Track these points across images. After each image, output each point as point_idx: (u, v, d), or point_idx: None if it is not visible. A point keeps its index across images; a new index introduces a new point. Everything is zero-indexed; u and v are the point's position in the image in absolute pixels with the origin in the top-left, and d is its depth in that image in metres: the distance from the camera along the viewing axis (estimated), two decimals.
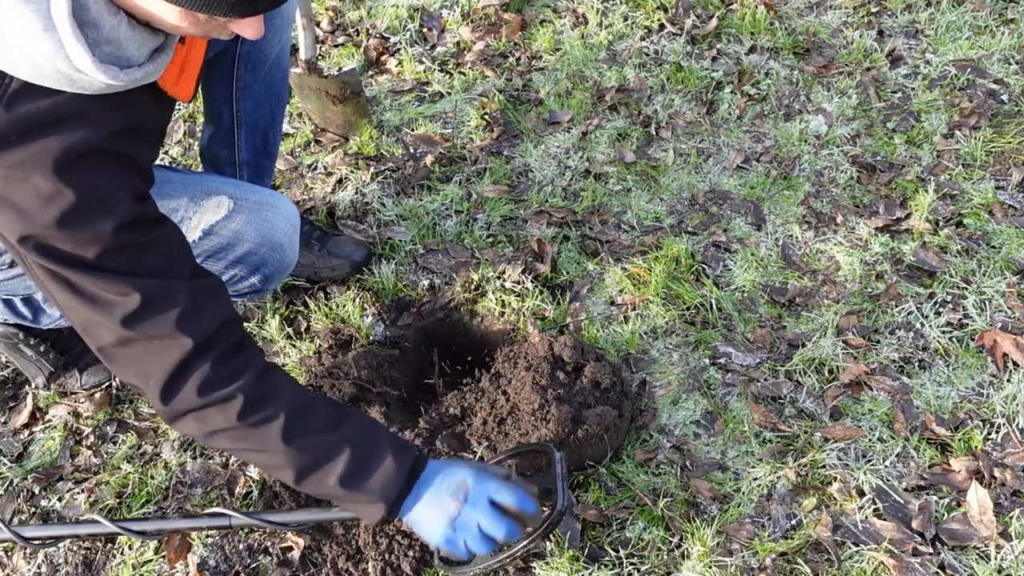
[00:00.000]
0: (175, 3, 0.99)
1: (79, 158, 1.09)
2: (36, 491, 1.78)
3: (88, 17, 1.00)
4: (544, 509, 1.53)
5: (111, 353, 1.18)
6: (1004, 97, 2.45)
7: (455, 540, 1.26)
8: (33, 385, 1.95)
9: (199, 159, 2.04)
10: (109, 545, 1.68)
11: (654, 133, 2.46)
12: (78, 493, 1.77)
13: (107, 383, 1.94)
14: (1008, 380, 1.78)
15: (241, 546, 1.64)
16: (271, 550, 1.63)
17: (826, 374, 1.83)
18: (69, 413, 1.91)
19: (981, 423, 1.72)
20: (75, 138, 1.08)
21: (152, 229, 1.20)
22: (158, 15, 1.03)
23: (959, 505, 1.60)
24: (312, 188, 2.37)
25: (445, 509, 1.26)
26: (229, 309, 1.24)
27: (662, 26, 2.79)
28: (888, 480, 1.64)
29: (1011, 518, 1.55)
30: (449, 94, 2.65)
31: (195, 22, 1.04)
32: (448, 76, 2.71)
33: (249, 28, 1.08)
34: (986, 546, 1.52)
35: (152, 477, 1.77)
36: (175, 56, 1.23)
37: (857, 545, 1.54)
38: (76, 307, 1.14)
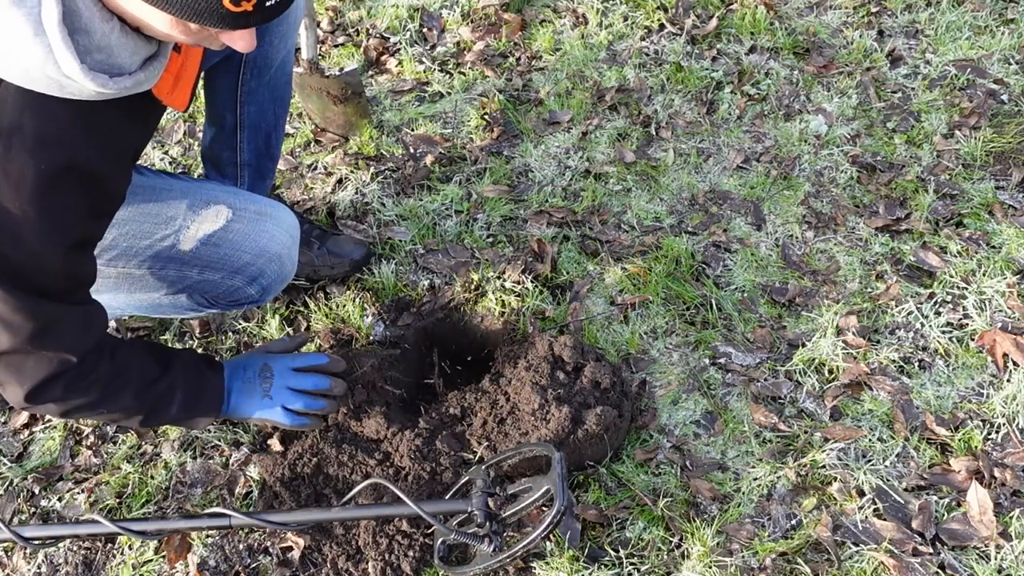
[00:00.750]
0: (166, 10, 0.98)
1: (53, 181, 1.10)
2: (36, 491, 1.78)
3: (80, 23, 0.99)
4: (544, 509, 1.54)
5: None
6: (1004, 97, 2.45)
7: (272, 406, 1.61)
8: None
9: (200, 160, 2.04)
10: (109, 545, 1.68)
11: (654, 133, 2.46)
12: (78, 493, 1.77)
13: None
14: (1008, 380, 1.78)
15: (241, 546, 1.64)
16: (271, 550, 1.63)
17: (826, 374, 1.83)
18: None
19: (981, 423, 1.72)
20: (54, 160, 1.09)
21: (87, 255, 1.27)
22: (149, 22, 1.02)
23: (959, 505, 1.60)
24: (312, 188, 2.37)
25: (258, 390, 1.61)
26: (106, 326, 1.39)
27: (662, 26, 2.79)
28: (888, 480, 1.64)
29: (1011, 518, 1.55)
30: (449, 94, 2.65)
31: (186, 31, 1.03)
32: (448, 76, 2.71)
33: (240, 41, 1.07)
34: (986, 546, 1.52)
35: (152, 477, 1.77)
36: (170, 65, 1.22)
37: (857, 545, 1.54)
38: None
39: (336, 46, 2.88)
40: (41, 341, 1.23)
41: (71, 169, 1.11)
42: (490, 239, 2.19)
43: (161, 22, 1.01)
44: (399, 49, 2.82)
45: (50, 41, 0.97)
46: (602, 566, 1.54)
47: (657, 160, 2.38)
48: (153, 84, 1.16)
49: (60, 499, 1.77)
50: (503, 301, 2.01)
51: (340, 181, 2.38)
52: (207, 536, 1.65)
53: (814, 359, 1.85)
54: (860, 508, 1.59)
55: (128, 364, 1.41)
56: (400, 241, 2.18)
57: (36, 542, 1.45)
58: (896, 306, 1.95)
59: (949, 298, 1.96)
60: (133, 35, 1.06)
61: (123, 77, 1.07)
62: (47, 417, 1.91)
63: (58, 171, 1.10)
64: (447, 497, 1.61)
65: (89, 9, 0.99)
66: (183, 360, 1.53)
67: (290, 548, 1.63)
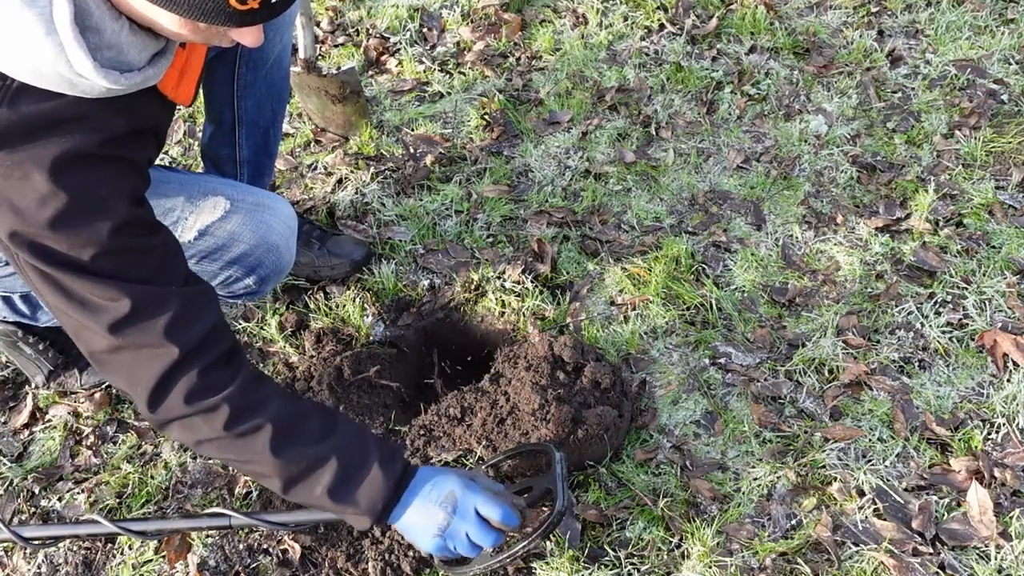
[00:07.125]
0: (175, 11, 1.00)
1: (77, 160, 1.10)
2: (36, 491, 1.78)
3: (90, 22, 1.01)
4: (544, 509, 1.54)
5: (102, 359, 1.18)
6: (1004, 97, 2.45)
7: (445, 547, 1.30)
8: (33, 384, 1.95)
9: (199, 158, 2.04)
10: (109, 545, 1.68)
11: (654, 133, 2.46)
12: (78, 493, 1.77)
13: (107, 383, 1.94)
14: (1008, 380, 1.78)
15: (241, 546, 1.64)
16: (271, 550, 1.63)
17: (826, 374, 1.83)
18: (69, 413, 1.91)
19: (981, 423, 1.72)
20: (74, 140, 1.09)
21: (147, 234, 1.21)
22: (159, 22, 1.04)
23: (959, 505, 1.60)
24: (312, 188, 2.37)
25: (434, 519, 1.28)
26: (218, 317, 1.24)
27: (662, 26, 2.79)
28: (888, 480, 1.64)
29: (1011, 518, 1.55)
30: (449, 94, 2.65)
31: (195, 29, 1.05)
32: (448, 76, 2.71)
33: (249, 36, 1.09)
34: (986, 546, 1.52)
35: (152, 477, 1.77)
36: (175, 60, 1.24)
37: (857, 545, 1.54)
38: (66, 311, 1.14)
39: (336, 46, 2.87)
40: (129, 328, 1.13)
41: (93, 155, 1.12)
42: (490, 239, 2.19)
43: (170, 22, 1.03)
44: (399, 49, 2.82)
45: (62, 40, 0.98)
46: (602, 566, 1.54)
47: (657, 160, 2.38)
48: (159, 79, 1.17)
49: (60, 499, 1.76)
50: (503, 301, 2.01)
51: (340, 181, 2.38)
52: (207, 536, 1.65)
53: (814, 359, 1.85)
54: (860, 508, 1.59)
55: (266, 402, 1.22)
56: (400, 241, 2.18)
57: (36, 542, 1.44)
58: (896, 306, 1.95)
59: (949, 298, 1.96)
60: (142, 33, 1.08)
61: (132, 73, 1.09)
62: (47, 417, 1.91)
63: (79, 151, 1.10)
64: None
65: (99, 8, 1.01)
66: (350, 435, 1.28)
67: (289, 548, 1.63)
